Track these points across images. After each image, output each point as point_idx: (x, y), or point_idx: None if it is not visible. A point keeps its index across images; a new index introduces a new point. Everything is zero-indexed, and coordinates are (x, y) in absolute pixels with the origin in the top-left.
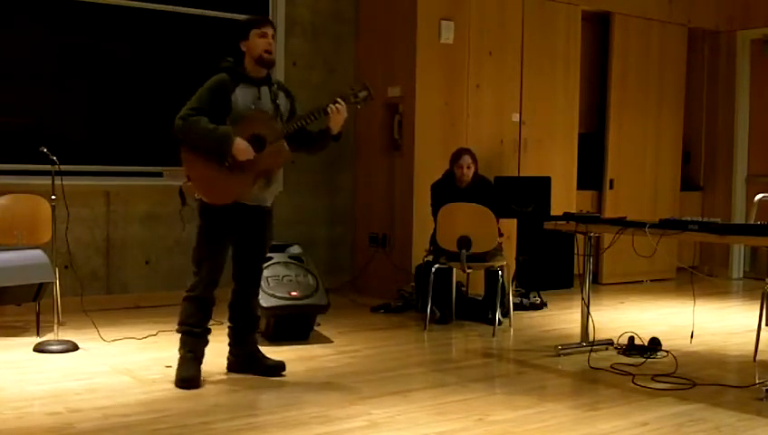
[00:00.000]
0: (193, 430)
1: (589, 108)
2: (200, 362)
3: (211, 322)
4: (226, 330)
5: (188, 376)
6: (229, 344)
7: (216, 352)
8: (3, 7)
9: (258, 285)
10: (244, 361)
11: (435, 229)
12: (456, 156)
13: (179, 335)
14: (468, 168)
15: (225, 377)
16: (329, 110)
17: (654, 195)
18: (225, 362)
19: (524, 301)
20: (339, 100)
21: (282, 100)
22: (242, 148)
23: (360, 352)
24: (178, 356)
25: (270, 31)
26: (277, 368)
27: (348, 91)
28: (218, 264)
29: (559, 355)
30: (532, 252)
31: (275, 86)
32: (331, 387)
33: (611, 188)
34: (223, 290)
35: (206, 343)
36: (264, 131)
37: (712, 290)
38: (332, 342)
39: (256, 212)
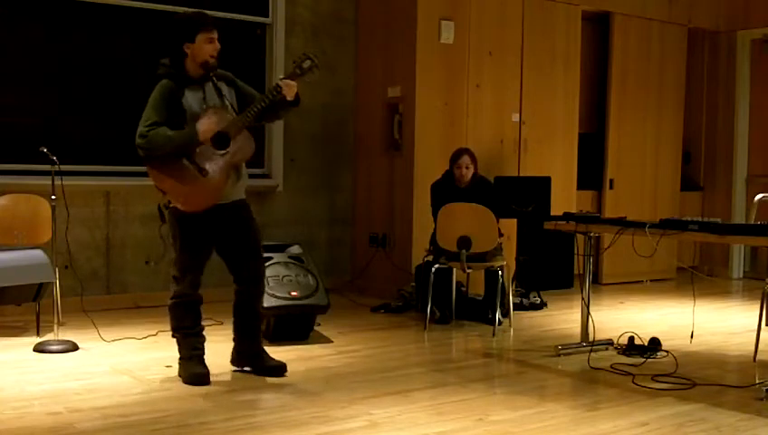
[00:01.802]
0: (193, 430)
1: (589, 108)
2: (203, 359)
3: (210, 321)
4: (227, 327)
5: (200, 372)
6: (234, 340)
7: (216, 353)
8: (3, 7)
9: (261, 283)
10: (248, 357)
11: (435, 229)
12: (456, 156)
13: (176, 339)
14: (467, 168)
15: (224, 377)
16: (281, 86)
17: (654, 195)
18: (225, 363)
19: (524, 301)
20: (284, 78)
21: (226, 91)
22: (205, 125)
23: (359, 352)
24: (180, 358)
25: (216, 34)
26: (279, 369)
27: (291, 66)
28: (200, 268)
29: (559, 355)
30: (532, 252)
31: (215, 78)
32: (331, 387)
33: (611, 188)
34: (217, 290)
35: (204, 339)
36: (225, 127)
37: (712, 290)
38: (332, 342)
39: (233, 209)
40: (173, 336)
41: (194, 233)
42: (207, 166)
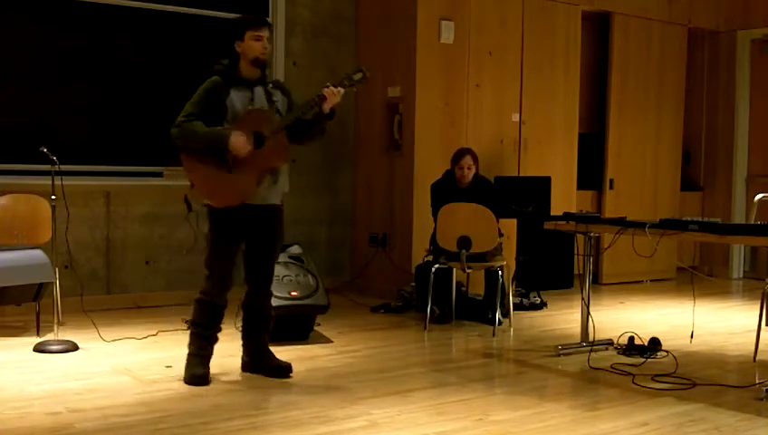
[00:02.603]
0: (193, 430)
1: (589, 108)
2: (209, 360)
3: None
4: (234, 330)
5: (199, 373)
6: (243, 345)
7: (219, 353)
8: (3, 7)
9: (269, 286)
10: (256, 360)
11: (435, 229)
12: (458, 156)
13: (189, 333)
14: (469, 168)
15: (225, 377)
16: (325, 94)
17: (654, 195)
18: (226, 363)
19: (524, 301)
20: (331, 85)
21: (278, 98)
22: (239, 142)
23: (359, 352)
24: (187, 353)
25: (266, 33)
26: (285, 369)
27: (342, 76)
28: (230, 266)
29: (559, 355)
30: (532, 252)
31: (271, 85)
32: (331, 387)
33: (611, 188)
34: (234, 290)
35: (216, 341)
36: (262, 129)
37: (712, 290)
38: (332, 342)
39: (265, 211)
40: (187, 328)
41: (225, 230)
42: (239, 165)
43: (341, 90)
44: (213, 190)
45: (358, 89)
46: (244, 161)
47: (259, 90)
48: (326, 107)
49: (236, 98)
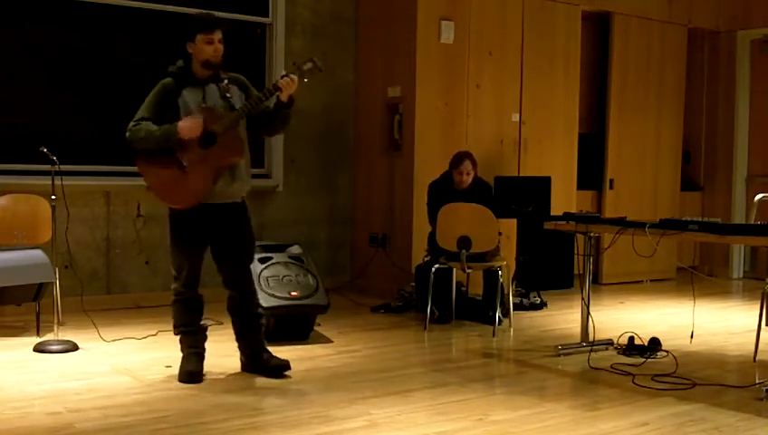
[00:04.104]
0: (193, 430)
1: (589, 108)
2: (202, 357)
3: (211, 322)
4: (228, 327)
5: (192, 370)
6: (238, 347)
7: (218, 353)
8: (3, 7)
9: (247, 284)
10: (252, 360)
11: (433, 229)
12: (457, 161)
13: (178, 339)
14: (468, 174)
15: (225, 377)
16: (279, 84)
17: (654, 195)
18: (225, 363)
19: (524, 301)
20: (287, 73)
21: (234, 93)
22: (186, 125)
23: (359, 352)
24: (181, 356)
25: (217, 36)
26: (281, 367)
27: (292, 67)
28: (194, 266)
29: (559, 355)
30: (532, 252)
31: (226, 81)
32: (331, 387)
33: (611, 188)
34: (217, 290)
35: (205, 338)
36: (212, 126)
37: (712, 290)
38: (332, 342)
39: (226, 209)
40: (174, 333)
41: (184, 231)
42: (193, 164)
43: (295, 78)
44: (169, 192)
45: (309, 79)
46: (198, 161)
47: (212, 87)
48: (283, 96)
49: (189, 97)
